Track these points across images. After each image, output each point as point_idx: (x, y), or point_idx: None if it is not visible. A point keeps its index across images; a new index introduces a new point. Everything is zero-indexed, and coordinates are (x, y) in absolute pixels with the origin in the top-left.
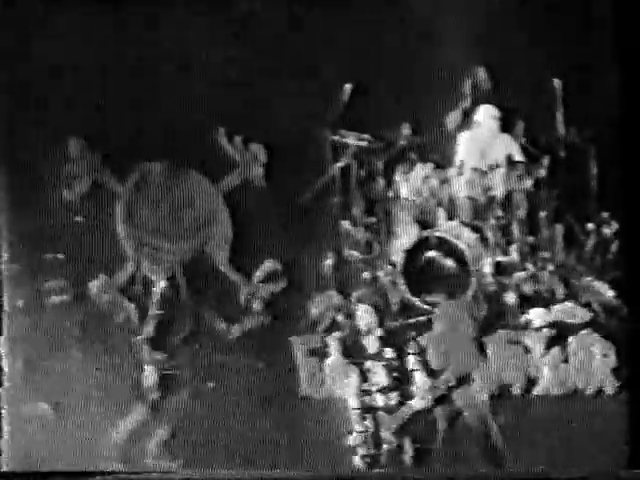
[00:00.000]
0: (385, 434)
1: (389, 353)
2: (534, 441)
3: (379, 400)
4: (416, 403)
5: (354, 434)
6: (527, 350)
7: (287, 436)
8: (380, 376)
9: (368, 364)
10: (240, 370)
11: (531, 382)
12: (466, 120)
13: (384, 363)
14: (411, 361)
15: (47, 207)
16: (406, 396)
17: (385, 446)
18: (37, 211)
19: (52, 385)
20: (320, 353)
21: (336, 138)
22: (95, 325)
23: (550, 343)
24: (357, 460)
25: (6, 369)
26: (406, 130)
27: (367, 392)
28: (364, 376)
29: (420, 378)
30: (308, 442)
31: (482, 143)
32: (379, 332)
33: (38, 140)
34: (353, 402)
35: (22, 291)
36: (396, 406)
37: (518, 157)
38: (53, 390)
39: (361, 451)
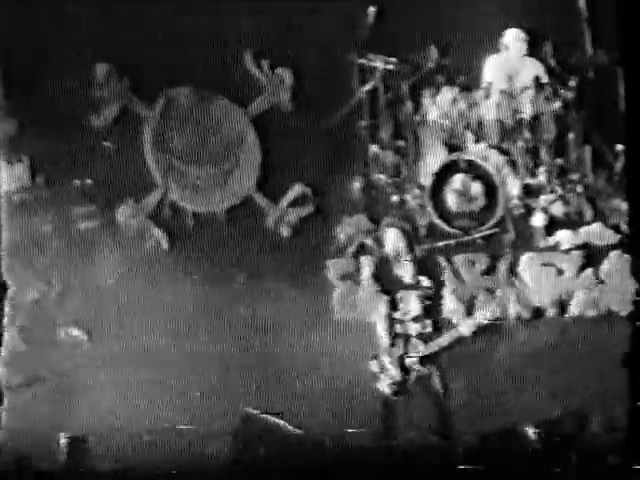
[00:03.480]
0: (412, 361)
1: (425, 282)
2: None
3: (412, 328)
4: (458, 331)
5: (378, 360)
6: (560, 272)
7: (320, 359)
8: (412, 304)
9: (400, 293)
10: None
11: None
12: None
13: (418, 293)
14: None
15: (76, 132)
16: (439, 325)
17: (413, 373)
18: (65, 136)
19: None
20: (353, 277)
21: (363, 62)
22: (123, 251)
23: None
24: (382, 386)
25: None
26: (433, 53)
27: (399, 320)
28: (394, 304)
29: (455, 306)
30: (338, 365)
31: (509, 66)
32: (408, 258)
33: (66, 65)
34: (381, 329)
35: (50, 216)
36: (430, 334)
37: (545, 79)
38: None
39: (385, 378)
